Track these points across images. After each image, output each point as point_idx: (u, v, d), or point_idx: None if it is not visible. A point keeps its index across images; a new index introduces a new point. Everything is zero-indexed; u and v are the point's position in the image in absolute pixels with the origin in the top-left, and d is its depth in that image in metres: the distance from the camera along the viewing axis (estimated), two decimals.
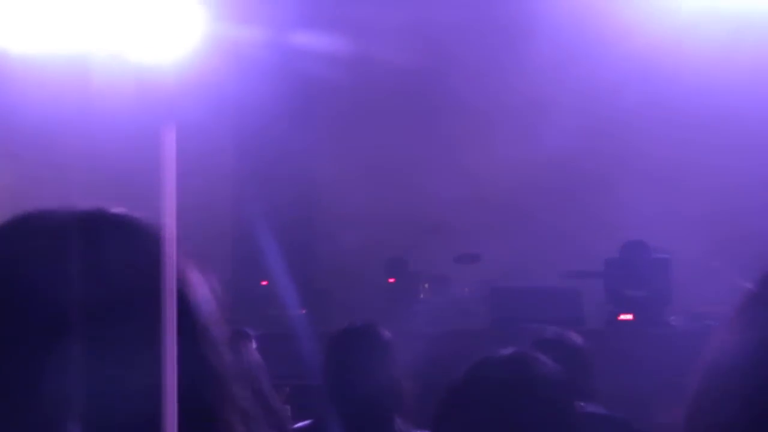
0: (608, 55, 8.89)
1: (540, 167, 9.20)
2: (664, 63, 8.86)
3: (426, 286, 9.40)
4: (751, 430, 0.85)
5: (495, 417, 2.11)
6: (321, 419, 3.24)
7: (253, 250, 8.38)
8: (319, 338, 4.34)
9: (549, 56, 9.19)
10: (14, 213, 1.09)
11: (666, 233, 8.26)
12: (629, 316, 7.98)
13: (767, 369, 0.86)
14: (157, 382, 0.90)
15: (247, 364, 3.45)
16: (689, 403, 0.90)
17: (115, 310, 0.98)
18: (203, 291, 1.05)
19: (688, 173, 8.98)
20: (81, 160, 7.13)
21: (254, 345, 3.78)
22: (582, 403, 3.22)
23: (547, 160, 9.10)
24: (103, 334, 0.96)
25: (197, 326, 1.01)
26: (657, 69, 8.96)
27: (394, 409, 3.24)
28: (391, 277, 9.57)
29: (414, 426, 3.27)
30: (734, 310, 0.95)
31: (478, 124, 9.57)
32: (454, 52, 9.66)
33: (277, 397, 3.74)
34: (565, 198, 9.22)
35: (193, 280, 1.05)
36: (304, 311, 8.32)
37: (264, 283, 8.79)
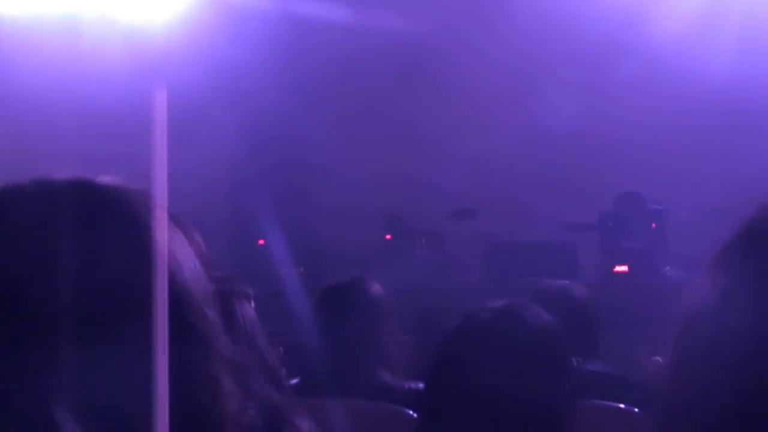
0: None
1: (536, 124, 9.19)
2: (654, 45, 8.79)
3: (423, 241, 9.41)
4: (728, 386, 0.83)
5: (486, 370, 2.10)
6: (307, 377, 3.20)
7: (249, 209, 8.38)
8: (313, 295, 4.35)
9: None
10: None
11: (662, 187, 8.28)
12: (624, 268, 8.01)
13: (740, 325, 0.85)
14: (149, 375, 0.89)
15: (243, 322, 3.43)
16: (669, 363, 0.89)
17: (105, 305, 0.94)
18: (190, 263, 1.02)
19: (693, 139, 8.96)
20: (71, 122, 7.10)
21: (252, 304, 3.76)
22: (580, 359, 3.19)
23: (545, 118, 9.09)
24: (94, 332, 0.92)
25: (187, 312, 0.98)
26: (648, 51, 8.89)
27: (380, 364, 3.20)
28: (387, 234, 9.58)
29: (407, 379, 3.25)
30: (708, 262, 0.94)
31: (476, 85, 9.53)
32: (452, 20, 9.62)
33: (274, 355, 3.73)
34: (561, 152, 9.21)
35: (180, 254, 1.01)
36: (301, 269, 8.34)
37: (261, 242, 8.79)
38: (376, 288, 3.35)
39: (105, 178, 1.04)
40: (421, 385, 3.18)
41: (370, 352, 3.18)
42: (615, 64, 9.00)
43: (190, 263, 1.01)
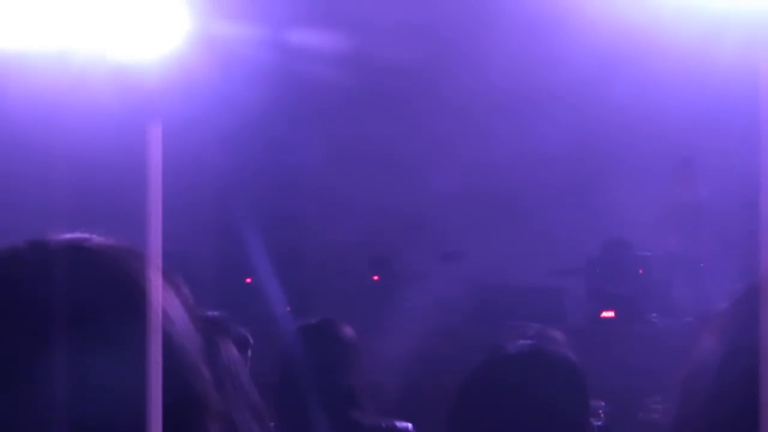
0: (597, 51, 8.89)
1: (527, 165, 9.22)
2: (651, 59, 8.86)
3: (410, 283, 9.41)
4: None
5: (512, 414, 2.09)
6: (283, 417, 3.18)
7: (237, 247, 8.38)
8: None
9: (537, 52, 9.21)
10: None
11: (649, 232, 8.31)
12: (611, 314, 8.02)
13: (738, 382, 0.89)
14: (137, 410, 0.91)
15: (228, 362, 3.39)
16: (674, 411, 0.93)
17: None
18: (182, 320, 1.03)
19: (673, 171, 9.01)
20: (64, 159, 7.11)
21: (250, 350, 3.71)
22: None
23: (533, 158, 9.13)
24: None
25: (183, 371, 0.99)
26: (644, 65, 8.97)
27: (351, 405, 3.17)
28: (375, 275, 9.59)
29: (385, 419, 3.22)
30: (714, 322, 0.98)
31: (464, 122, 9.58)
32: (440, 49, 9.67)
33: (257, 394, 3.68)
34: (550, 196, 9.24)
35: (173, 313, 1.02)
36: (288, 309, 8.32)
37: (248, 280, 8.78)
38: (346, 330, 3.33)
39: (97, 239, 1.04)
40: (405, 425, 3.16)
41: (340, 393, 3.16)
42: (605, 103, 9.05)
43: (181, 320, 1.03)
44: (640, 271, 8.09)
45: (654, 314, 8.02)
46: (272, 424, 3.22)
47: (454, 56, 9.67)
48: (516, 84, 9.35)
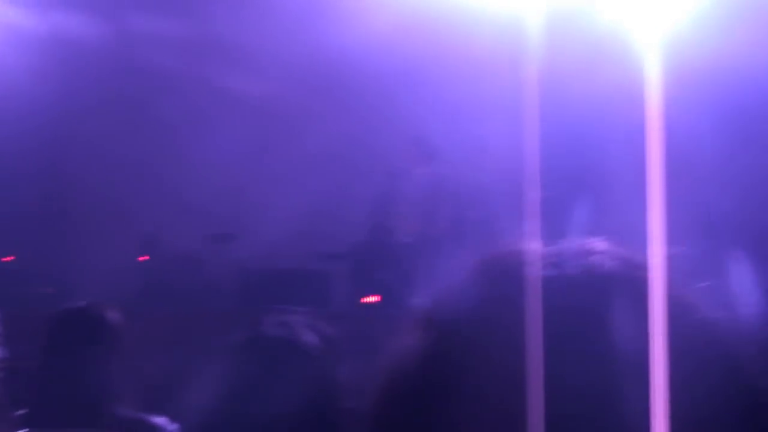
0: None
1: (288, 156, 9.31)
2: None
3: (179, 265, 9.34)
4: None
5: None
6: (38, 406, 3.04)
7: None
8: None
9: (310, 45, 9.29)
10: None
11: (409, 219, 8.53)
12: (375, 299, 8.21)
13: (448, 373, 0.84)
14: None
15: None
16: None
17: None
18: None
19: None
20: None
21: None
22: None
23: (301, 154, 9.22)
24: None
25: None
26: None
27: (109, 396, 3.03)
28: (143, 255, 9.45)
29: (148, 411, 3.14)
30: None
31: (240, 114, 9.56)
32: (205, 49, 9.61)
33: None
34: (319, 181, 9.35)
35: None
36: (50, 290, 8.12)
37: (7, 259, 8.52)
38: (112, 314, 3.18)
39: None
40: (160, 419, 3.12)
41: (100, 380, 3.03)
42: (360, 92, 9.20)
43: None
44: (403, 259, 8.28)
45: (418, 299, 8.24)
46: (24, 411, 3.10)
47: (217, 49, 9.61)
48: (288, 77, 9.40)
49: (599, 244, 0.88)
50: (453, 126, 8.35)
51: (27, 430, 3.02)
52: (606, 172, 7.49)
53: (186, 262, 9.28)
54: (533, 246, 0.86)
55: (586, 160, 7.75)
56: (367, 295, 8.20)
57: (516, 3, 7.19)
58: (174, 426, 3.06)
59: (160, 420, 3.12)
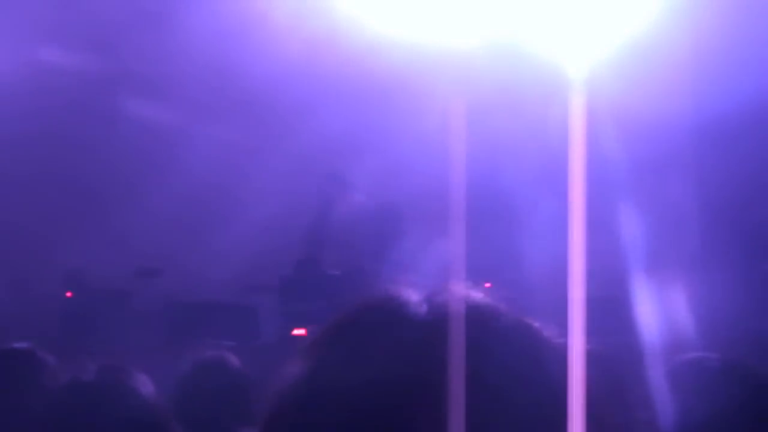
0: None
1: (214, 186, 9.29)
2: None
3: (105, 300, 9.25)
4: None
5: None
6: None
7: None
8: None
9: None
10: None
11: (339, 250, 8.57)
12: (302, 331, 8.21)
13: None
14: None
15: None
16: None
17: None
18: None
19: None
20: None
21: None
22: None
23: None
24: None
25: None
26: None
27: None
28: (68, 291, 9.35)
29: None
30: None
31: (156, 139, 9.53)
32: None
33: None
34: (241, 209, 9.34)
35: None
36: None
37: None
38: (44, 356, 3.16)
39: None
40: None
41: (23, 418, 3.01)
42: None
43: None
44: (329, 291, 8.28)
45: None
46: None
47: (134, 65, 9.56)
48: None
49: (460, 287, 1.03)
50: (371, 154, 8.41)
51: None
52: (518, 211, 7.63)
53: (112, 296, 9.20)
54: (404, 292, 1.02)
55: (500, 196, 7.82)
56: (297, 328, 8.21)
57: (440, 33, 7.31)
58: None
59: None
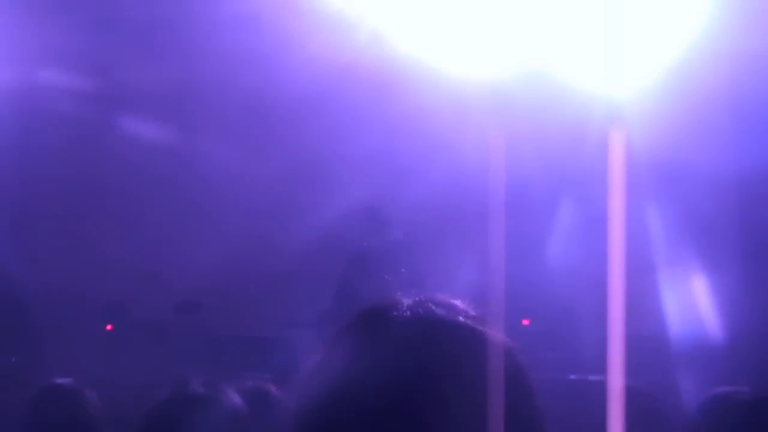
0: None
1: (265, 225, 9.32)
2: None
3: (145, 334, 9.29)
4: None
5: None
6: None
7: None
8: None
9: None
10: None
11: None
12: None
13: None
14: None
15: None
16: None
17: None
18: None
19: None
20: None
21: None
22: None
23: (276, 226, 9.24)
24: None
25: None
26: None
27: None
28: (108, 324, 9.40)
29: None
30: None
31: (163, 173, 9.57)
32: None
33: None
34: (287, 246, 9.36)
35: None
36: (13, 359, 8.06)
37: None
38: (89, 394, 3.20)
39: None
40: None
41: None
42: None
43: None
44: None
45: None
46: None
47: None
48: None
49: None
50: (408, 186, 8.39)
51: None
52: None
53: (151, 330, 9.24)
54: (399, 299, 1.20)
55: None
56: None
57: (478, 64, 7.31)
58: None
59: None
